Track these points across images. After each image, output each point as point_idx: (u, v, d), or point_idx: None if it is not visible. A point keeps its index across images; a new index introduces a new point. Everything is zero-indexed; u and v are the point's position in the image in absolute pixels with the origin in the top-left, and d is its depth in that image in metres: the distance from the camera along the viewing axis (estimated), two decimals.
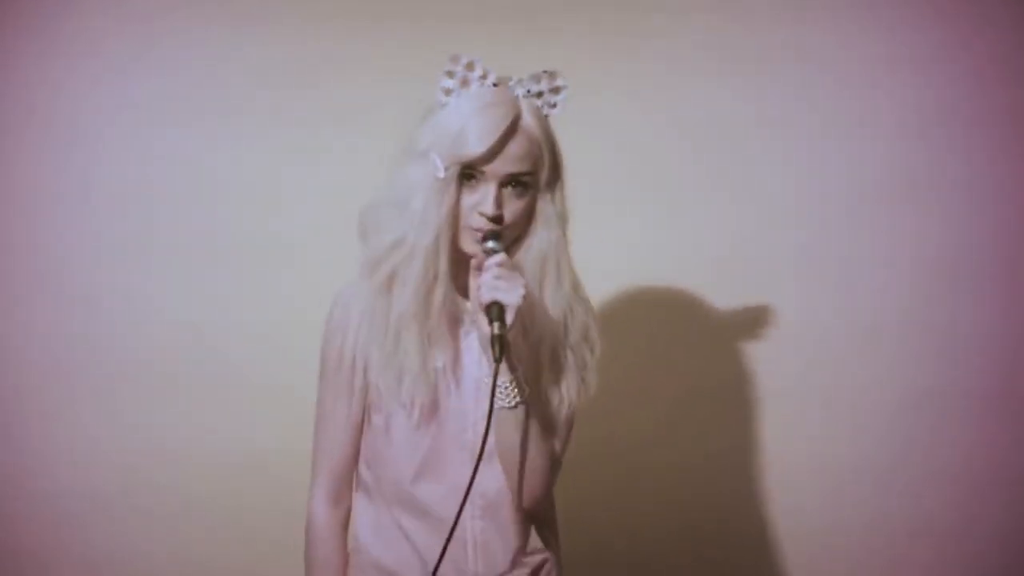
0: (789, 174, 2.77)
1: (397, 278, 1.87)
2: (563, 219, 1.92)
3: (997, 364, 2.78)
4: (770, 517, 2.76)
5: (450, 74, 1.86)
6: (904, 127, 2.77)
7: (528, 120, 1.87)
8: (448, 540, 1.81)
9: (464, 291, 1.93)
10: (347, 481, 2.00)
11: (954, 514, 2.77)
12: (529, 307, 1.85)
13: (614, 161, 2.74)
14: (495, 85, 1.88)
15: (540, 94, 1.90)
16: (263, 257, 2.71)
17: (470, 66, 1.86)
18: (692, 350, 2.77)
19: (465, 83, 1.87)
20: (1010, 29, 2.77)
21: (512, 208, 1.86)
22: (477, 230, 1.86)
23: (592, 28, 2.74)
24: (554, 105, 1.91)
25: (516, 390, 1.85)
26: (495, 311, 1.78)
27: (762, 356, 2.75)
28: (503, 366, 1.81)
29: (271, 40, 2.71)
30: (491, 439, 1.86)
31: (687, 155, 2.77)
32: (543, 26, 2.73)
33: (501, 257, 1.82)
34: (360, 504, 2.00)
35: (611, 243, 2.66)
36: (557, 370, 1.93)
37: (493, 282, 1.79)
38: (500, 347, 1.76)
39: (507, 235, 1.87)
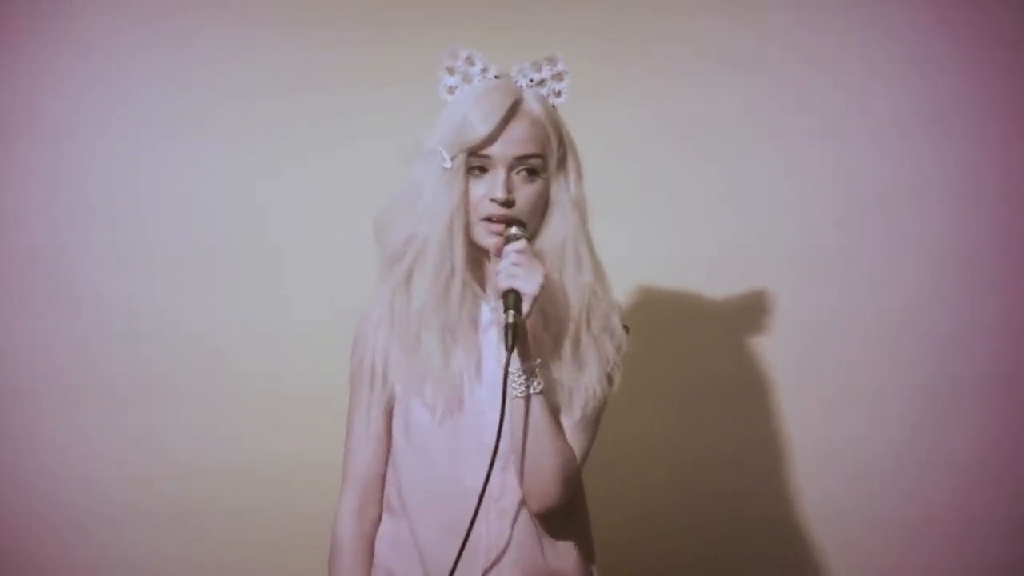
0: (789, 172, 2.76)
1: (414, 274, 1.84)
2: (580, 205, 1.89)
3: (1003, 357, 2.76)
4: (781, 512, 2.75)
5: (450, 70, 1.85)
6: (904, 124, 2.75)
7: (531, 103, 1.85)
8: (463, 544, 1.77)
9: (483, 285, 1.91)
10: (373, 492, 1.95)
11: (962, 504, 2.75)
12: (550, 297, 1.81)
13: (612, 162, 2.70)
14: (497, 78, 1.87)
15: (543, 82, 1.88)
16: (266, 263, 2.70)
17: (470, 60, 1.85)
18: (697, 349, 2.74)
19: (467, 79, 1.86)
20: (1011, 27, 2.76)
21: (523, 194, 1.83)
22: (489, 219, 1.83)
23: (586, 30, 2.73)
24: (559, 94, 1.89)
25: (527, 380, 1.80)
26: (511, 299, 1.75)
27: (766, 353, 2.74)
28: (515, 355, 1.77)
29: (270, 46, 2.71)
30: (508, 444, 1.82)
31: (685, 154, 2.75)
32: (538, 26, 2.73)
33: (522, 244, 1.79)
34: (384, 518, 1.96)
35: (614, 243, 2.60)
36: (579, 363, 1.87)
37: (511, 268, 1.77)
38: (513, 336, 1.73)
39: (527, 225, 1.84)
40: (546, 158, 1.85)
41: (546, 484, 1.82)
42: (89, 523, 2.66)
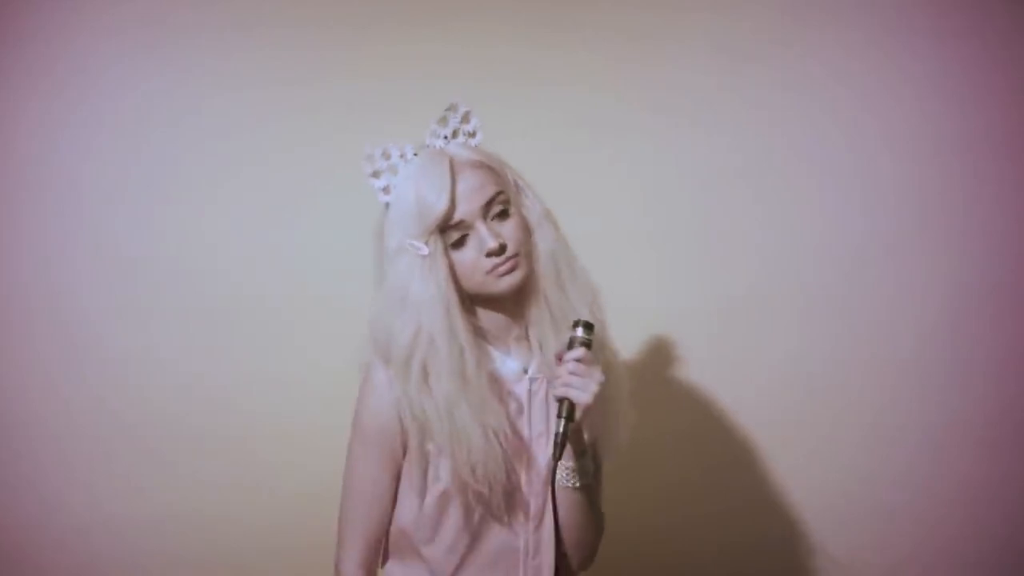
0: (788, 173, 2.72)
1: (430, 368, 1.84)
2: (549, 216, 1.91)
3: (1004, 396, 2.70)
4: (787, 513, 2.74)
5: (376, 174, 1.88)
6: (904, 124, 2.71)
7: (461, 155, 1.86)
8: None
9: (497, 340, 1.93)
10: (378, 547, 1.97)
11: (966, 504, 2.72)
12: (602, 402, 1.83)
13: (611, 163, 2.70)
14: (415, 155, 1.88)
15: (456, 133, 1.89)
16: (267, 266, 2.68)
17: (386, 155, 1.87)
18: (711, 370, 2.72)
19: (392, 170, 1.88)
20: (1011, 27, 2.69)
21: (507, 232, 1.85)
22: (493, 268, 1.84)
23: (586, 30, 2.70)
24: (473, 134, 1.90)
25: (578, 475, 1.88)
26: (565, 407, 1.80)
27: (775, 357, 2.72)
28: (568, 451, 1.85)
29: (270, 46, 2.69)
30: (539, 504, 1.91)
31: (685, 154, 2.71)
32: (537, 26, 2.71)
33: (580, 352, 1.82)
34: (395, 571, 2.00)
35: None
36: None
37: (567, 378, 1.80)
38: (560, 447, 1.80)
39: (522, 255, 1.86)
40: (506, 191, 1.88)
41: (590, 555, 1.99)
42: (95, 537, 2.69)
